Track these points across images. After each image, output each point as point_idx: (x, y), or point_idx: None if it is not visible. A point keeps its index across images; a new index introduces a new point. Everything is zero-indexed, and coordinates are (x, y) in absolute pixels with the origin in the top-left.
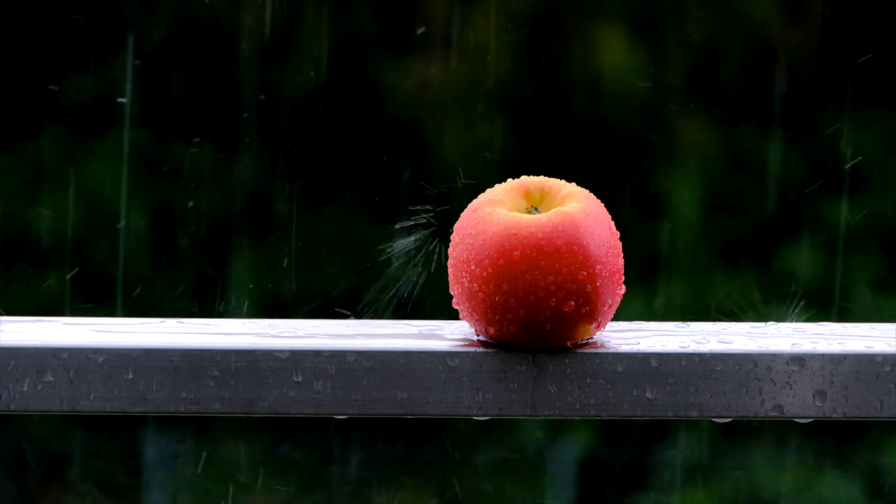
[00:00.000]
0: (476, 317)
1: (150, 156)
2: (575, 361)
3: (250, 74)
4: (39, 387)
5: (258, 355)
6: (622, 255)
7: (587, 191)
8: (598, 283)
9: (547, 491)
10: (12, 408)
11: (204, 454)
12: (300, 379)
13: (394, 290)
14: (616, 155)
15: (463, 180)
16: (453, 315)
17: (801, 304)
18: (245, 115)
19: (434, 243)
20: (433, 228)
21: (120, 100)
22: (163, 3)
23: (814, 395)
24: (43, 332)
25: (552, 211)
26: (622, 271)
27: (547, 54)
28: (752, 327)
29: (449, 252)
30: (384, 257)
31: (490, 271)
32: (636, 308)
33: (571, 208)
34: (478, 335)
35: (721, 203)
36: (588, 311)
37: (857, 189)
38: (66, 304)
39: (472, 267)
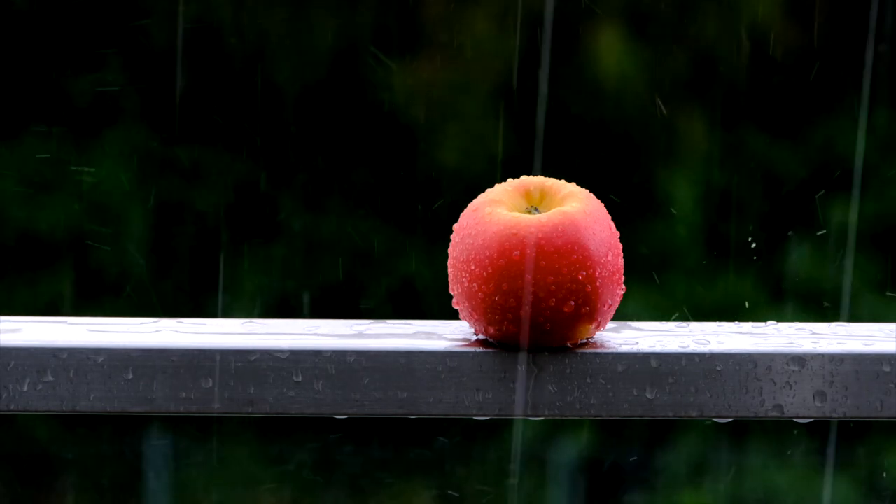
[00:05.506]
0: (476, 317)
1: (151, 155)
2: (575, 361)
3: (251, 74)
4: (39, 387)
5: (258, 355)
6: (622, 254)
7: (587, 191)
8: (598, 283)
9: (546, 490)
10: (12, 408)
11: (204, 454)
12: (300, 379)
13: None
14: (616, 154)
15: (463, 180)
16: (453, 315)
17: (801, 304)
18: (246, 115)
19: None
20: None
21: (120, 99)
22: (164, 3)
23: (814, 395)
24: (43, 332)
25: (552, 211)
26: (622, 271)
27: (547, 55)
28: (752, 327)
29: (449, 252)
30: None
31: (490, 271)
32: (636, 308)
33: (571, 208)
34: (478, 335)
35: (720, 202)
36: (588, 311)
37: (856, 189)
38: (66, 304)
39: (472, 267)
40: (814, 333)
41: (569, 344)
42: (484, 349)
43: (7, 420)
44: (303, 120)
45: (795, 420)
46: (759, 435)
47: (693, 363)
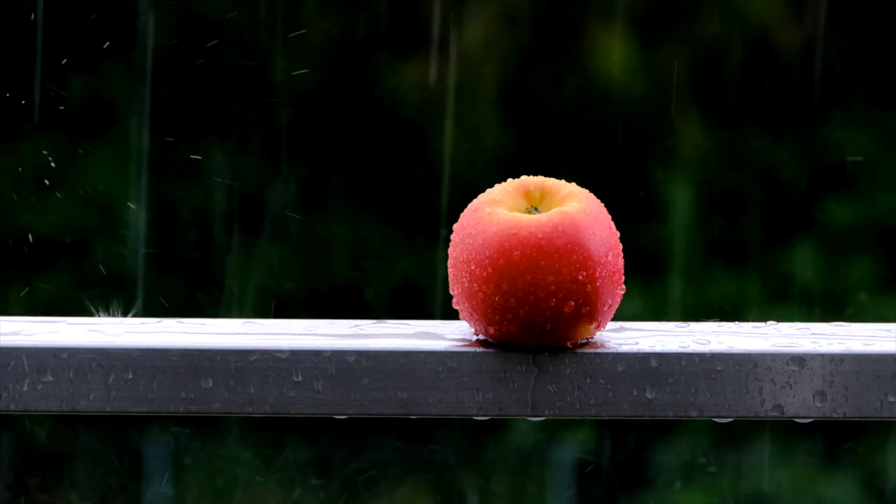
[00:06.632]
0: (476, 317)
1: (150, 154)
2: (575, 361)
3: (251, 72)
4: (39, 387)
5: (258, 355)
6: (622, 255)
7: (587, 191)
8: (598, 284)
9: (546, 490)
10: (12, 408)
11: (203, 453)
12: (300, 379)
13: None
14: (616, 155)
15: (463, 180)
16: (453, 315)
17: (801, 304)
18: (245, 115)
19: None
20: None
21: (119, 99)
22: (163, 3)
23: (814, 395)
24: (43, 332)
25: (552, 211)
26: (622, 271)
27: (547, 55)
28: (752, 327)
29: (449, 252)
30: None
31: (490, 271)
32: (636, 308)
33: (571, 208)
34: (477, 335)
35: (720, 202)
36: (588, 312)
37: (856, 189)
38: (66, 305)
39: (472, 267)
40: (814, 333)
41: (569, 344)
42: (484, 349)
43: (7, 420)
44: (303, 119)
45: (795, 420)
46: (758, 435)
47: (693, 363)
